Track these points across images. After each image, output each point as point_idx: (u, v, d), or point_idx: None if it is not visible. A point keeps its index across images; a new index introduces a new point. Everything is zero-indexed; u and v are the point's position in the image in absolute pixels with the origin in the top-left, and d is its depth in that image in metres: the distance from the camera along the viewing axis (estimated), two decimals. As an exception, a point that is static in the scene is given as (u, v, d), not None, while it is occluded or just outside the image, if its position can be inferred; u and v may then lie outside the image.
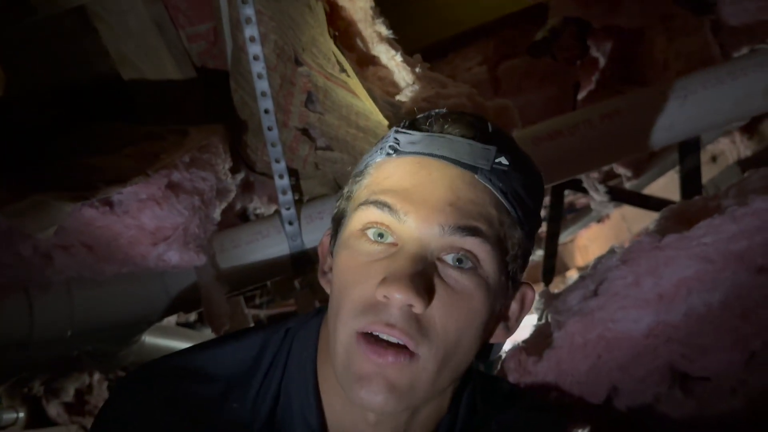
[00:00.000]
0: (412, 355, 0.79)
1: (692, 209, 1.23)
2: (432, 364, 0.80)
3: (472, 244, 0.80)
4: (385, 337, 0.79)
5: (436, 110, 0.91)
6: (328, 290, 0.93)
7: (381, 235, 0.82)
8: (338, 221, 0.91)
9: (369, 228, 0.83)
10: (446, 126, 0.86)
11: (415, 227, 0.80)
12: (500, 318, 0.91)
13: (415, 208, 0.81)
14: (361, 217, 0.84)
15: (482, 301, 0.82)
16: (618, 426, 1.19)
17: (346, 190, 0.92)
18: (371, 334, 0.80)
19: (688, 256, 1.10)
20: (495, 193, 0.83)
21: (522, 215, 0.85)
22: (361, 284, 0.81)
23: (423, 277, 0.79)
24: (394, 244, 0.82)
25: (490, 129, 0.87)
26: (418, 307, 0.77)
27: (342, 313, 0.82)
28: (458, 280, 0.81)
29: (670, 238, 1.13)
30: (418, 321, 0.79)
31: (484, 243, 0.80)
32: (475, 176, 0.83)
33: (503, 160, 0.84)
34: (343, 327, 0.82)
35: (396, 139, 0.87)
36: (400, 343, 0.79)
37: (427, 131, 0.87)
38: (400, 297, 0.76)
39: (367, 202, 0.84)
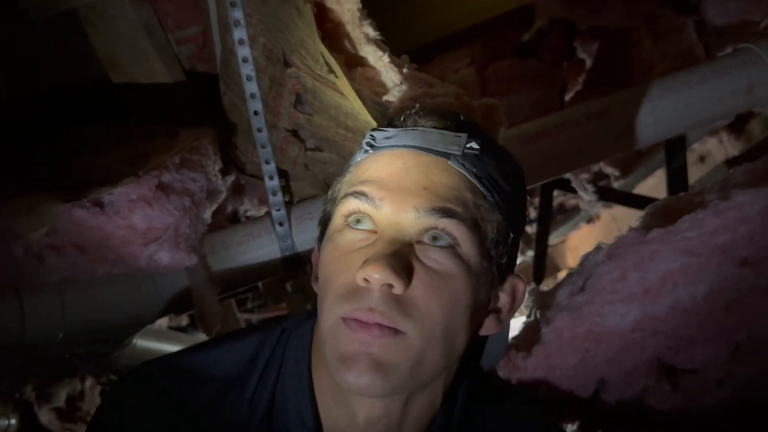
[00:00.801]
0: (397, 332, 0.80)
1: (677, 205, 1.24)
2: (419, 341, 0.81)
3: (447, 224, 0.82)
4: (365, 320, 0.80)
5: (410, 108, 0.94)
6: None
7: (359, 221, 0.85)
8: (324, 224, 0.93)
9: (348, 217, 0.86)
10: (418, 120, 0.90)
11: (391, 212, 0.83)
12: (490, 309, 0.92)
13: (390, 194, 0.83)
14: (342, 210, 0.87)
15: (464, 282, 0.83)
16: (607, 419, 1.21)
17: (329, 193, 0.95)
18: (354, 321, 0.81)
19: (673, 250, 1.11)
20: (468, 177, 0.86)
21: (499, 199, 0.87)
22: (343, 272, 0.83)
23: (401, 257, 0.80)
24: (374, 232, 0.84)
25: (462, 120, 0.91)
26: (397, 287, 0.79)
27: (326, 302, 0.83)
28: (438, 260, 0.82)
29: (655, 233, 1.14)
30: (399, 302, 0.80)
31: (460, 224, 0.82)
32: (448, 162, 0.86)
33: (474, 145, 0.87)
34: (328, 315, 0.83)
35: (372, 136, 0.91)
36: (383, 324, 0.80)
37: (402, 126, 0.90)
38: (378, 276, 0.78)
39: (345, 195, 0.87)
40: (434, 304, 0.81)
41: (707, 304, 1.11)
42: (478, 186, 0.86)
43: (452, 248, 0.83)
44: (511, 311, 0.95)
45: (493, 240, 0.87)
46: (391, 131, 0.90)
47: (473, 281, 0.84)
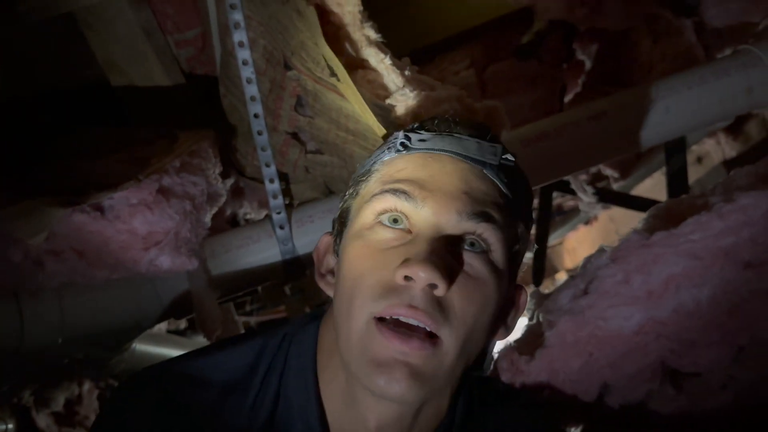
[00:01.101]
0: (435, 341, 0.80)
1: (680, 207, 1.24)
2: (453, 348, 0.81)
3: (485, 229, 0.83)
4: (404, 320, 0.79)
5: (441, 114, 0.95)
6: (329, 292, 0.94)
7: (396, 220, 0.84)
8: (343, 220, 0.93)
9: (383, 214, 0.85)
10: (453, 126, 0.91)
11: (433, 213, 0.83)
12: (501, 316, 0.92)
13: (432, 195, 0.83)
14: (376, 207, 0.86)
15: (495, 288, 0.84)
16: (610, 422, 1.20)
17: (351, 190, 0.94)
18: (389, 320, 0.80)
19: (677, 253, 1.11)
20: (501, 187, 0.87)
21: (521, 210, 0.90)
22: (378, 269, 0.82)
23: (443, 258, 0.80)
24: (409, 231, 0.84)
25: (492, 132, 0.93)
26: (441, 288, 0.78)
27: (357, 301, 0.82)
28: (473, 265, 0.83)
29: (658, 236, 1.14)
30: (440, 303, 0.80)
31: (496, 230, 0.84)
32: (484, 170, 0.87)
33: (510, 157, 0.90)
34: (359, 314, 0.81)
35: (407, 136, 0.91)
36: (420, 326, 0.79)
37: (436, 131, 0.91)
38: (424, 276, 0.77)
39: (382, 191, 0.86)
40: (470, 308, 0.82)
41: (711, 307, 1.10)
42: (509, 195, 0.88)
43: (486, 254, 0.84)
44: (516, 319, 0.96)
45: (516, 249, 0.89)
46: (425, 134, 0.90)
47: (502, 287, 0.86)
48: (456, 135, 0.89)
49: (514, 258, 0.90)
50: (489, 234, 0.84)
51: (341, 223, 0.93)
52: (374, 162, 0.93)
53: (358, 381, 0.83)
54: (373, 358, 0.80)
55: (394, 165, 0.89)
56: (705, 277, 1.10)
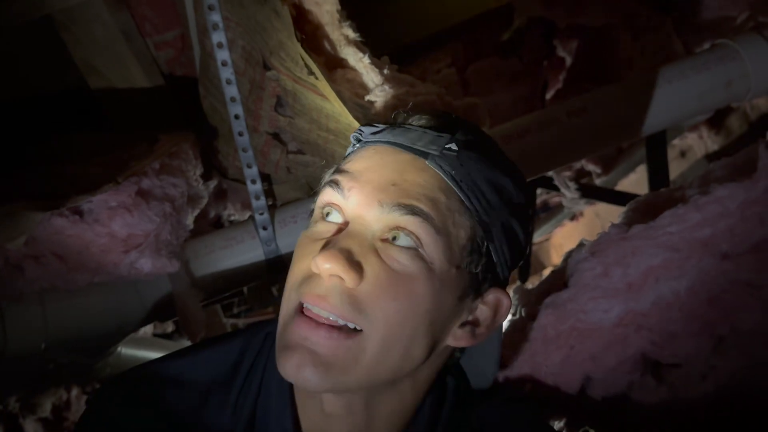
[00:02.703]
0: (350, 333, 0.79)
1: (658, 200, 1.25)
2: (373, 344, 0.80)
3: (411, 222, 0.80)
4: (315, 310, 0.80)
5: (407, 108, 0.94)
6: None
7: (329, 214, 0.85)
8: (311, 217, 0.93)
9: (323, 208, 0.86)
10: (408, 118, 0.90)
11: (357, 204, 0.82)
12: (466, 321, 0.88)
13: (358, 185, 0.83)
14: (319, 201, 0.87)
15: (425, 285, 0.81)
16: (593, 414, 1.21)
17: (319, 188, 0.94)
18: (312, 311, 0.81)
19: (655, 246, 1.12)
20: (445, 179, 0.83)
21: (479, 206, 0.84)
22: (302, 258, 0.83)
23: (356, 250, 0.80)
24: (345, 224, 0.84)
25: (454, 121, 0.89)
26: (348, 280, 0.78)
27: (286, 288, 0.84)
28: (398, 260, 0.80)
29: (636, 229, 1.15)
30: (352, 296, 0.79)
31: (425, 223, 0.80)
32: (426, 161, 0.84)
33: (453, 146, 0.84)
34: (286, 302, 0.83)
35: (360, 130, 0.91)
36: (331, 318, 0.79)
37: (390, 123, 0.90)
38: (327, 266, 0.77)
39: (324, 184, 0.87)
40: (391, 304, 0.79)
41: (690, 298, 1.11)
42: (455, 189, 0.83)
43: (414, 249, 0.81)
44: (491, 326, 0.91)
45: (464, 247, 0.83)
46: (380, 127, 0.90)
47: (436, 286, 0.81)
48: (407, 126, 0.87)
49: (468, 255, 0.84)
50: (417, 228, 0.80)
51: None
52: (344, 158, 0.94)
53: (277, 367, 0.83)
54: (284, 342, 0.81)
55: (348, 158, 0.90)
56: (683, 269, 1.11)
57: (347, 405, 0.87)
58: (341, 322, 0.79)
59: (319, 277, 0.80)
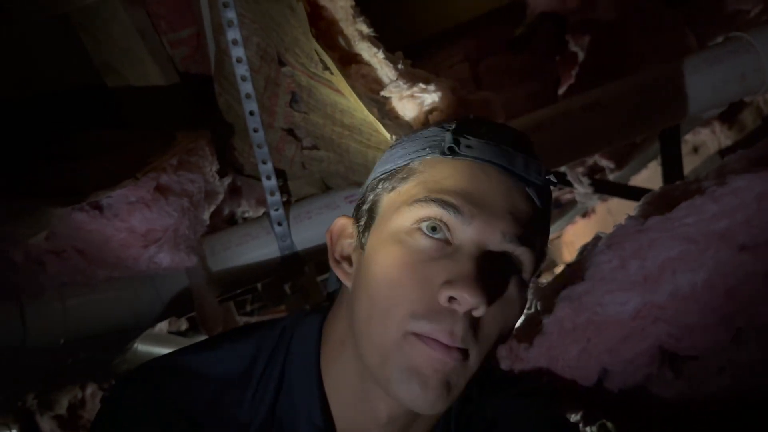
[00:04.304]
0: (467, 357, 0.80)
1: (674, 193, 1.25)
2: (475, 363, 0.81)
3: (522, 252, 0.82)
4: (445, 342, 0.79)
5: (476, 117, 0.93)
6: (345, 281, 0.91)
7: (434, 228, 0.82)
8: (372, 213, 0.90)
9: (424, 222, 0.82)
10: (497, 135, 0.88)
11: (478, 232, 0.81)
12: None
13: (480, 213, 0.81)
14: (418, 213, 0.83)
15: (520, 306, 0.85)
16: (610, 408, 1.21)
17: (385, 184, 0.90)
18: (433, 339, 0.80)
19: (672, 238, 1.12)
20: (539, 206, 0.86)
21: (548, 227, 0.91)
22: (420, 284, 0.80)
23: (487, 281, 0.79)
24: (448, 242, 0.82)
25: (532, 145, 0.91)
26: (481, 310, 0.78)
27: (396, 312, 0.80)
28: (507, 285, 0.82)
29: (653, 221, 1.15)
30: (474, 324, 0.80)
31: (531, 252, 0.83)
32: (526, 188, 0.85)
33: (552, 178, 0.88)
34: (397, 327, 0.80)
35: (455, 140, 0.86)
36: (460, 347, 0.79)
37: (483, 138, 0.87)
38: (471, 300, 0.76)
39: (427, 200, 0.83)
40: (496, 327, 0.82)
41: (707, 290, 1.11)
42: (543, 216, 0.87)
43: (518, 274, 0.83)
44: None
45: (537, 269, 0.89)
46: (473, 140, 0.86)
47: (524, 304, 0.86)
48: (503, 146, 0.86)
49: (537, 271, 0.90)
50: (525, 257, 0.83)
51: (370, 216, 0.90)
52: (413, 159, 0.89)
53: (386, 386, 0.82)
54: (412, 366, 0.79)
55: (439, 170, 0.86)
56: (700, 261, 1.11)
57: (408, 411, 0.87)
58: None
59: (448, 311, 0.78)
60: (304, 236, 1.50)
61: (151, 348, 2.13)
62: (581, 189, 2.36)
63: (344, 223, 0.94)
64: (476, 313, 0.78)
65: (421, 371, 0.79)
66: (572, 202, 3.47)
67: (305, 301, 2.75)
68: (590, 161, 2.79)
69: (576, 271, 1.25)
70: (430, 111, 1.37)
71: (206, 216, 1.42)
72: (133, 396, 0.91)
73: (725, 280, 1.10)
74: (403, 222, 0.84)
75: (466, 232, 0.81)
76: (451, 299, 0.77)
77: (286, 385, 0.92)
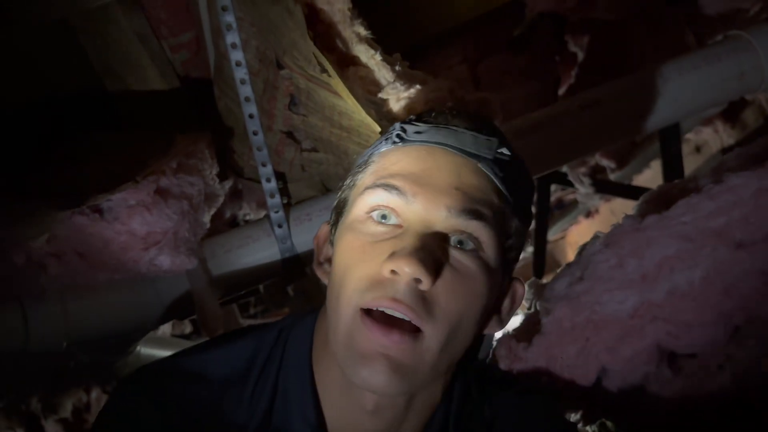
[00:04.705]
0: (417, 335, 0.81)
1: (672, 191, 1.25)
2: (435, 344, 0.82)
3: (475, 227, 0.84)
4: (389, 312, 0.81)
5: (440, 107, 0.96)
6: (325, 280, 0.95)
7: (384, 217, 0.85)
8: (339, 210, 0.93)
9: (374, 210, 0.86)
10: (450, 119, 0.91)
11: (423, 209, 0.83)
12: (494, 309, 0.94)
13: (423, 191, 0.84)
14: (368, 201, 0.87)
15: (484, 284, 0.85)
16: (609, 406, 1.21)
17: (348, 181, 0.95)
18: (375, 312, 0.81)
19: (669, 236, 1.12)
20: (496, 181, 0.87)
21: (518, 206, 0.90)
22: (366, 262, 0.83)
23: (430, 254, 0.81)
24: (399, 226, 0.84)
25: (491, 125, 0.93)
26: (425, 282, 0.79)
27: (345, 292, 0.84)
28: (461, 261, 0.83)
29: (650, 219, 1.15)
30: (424, 298, 0.81)
31: (487, 227, 0.84)
32: (478, 164, 0.87)
33: (505, 151, 0.89)
34: (347, 305, 0.83)
35: (403, 128, 0.91)
36: (405, 319, 0.80)
37: (433, 123, 0.90)
38: (408, 270, 0.78)
39: (374, 186, 0.87)
40: (455, 304, 0.83)
41: (704, 288, 1.11)
42: (503, 190, 0.88)
43: (475, 251, 0.85)
44: (511, 313, 0.97)
45: (509, 244, 0.90)
46: (422, 126, 0.90)
47: (491, 283, 0.86)
48: (452, 127, 0.89)
49: (507, 253, 0.90)
50: (480, 232, 0.84)
51: (338, 213, 0.94)
52: (371, 153, 0.93)
53: (347, 373, 0.84)
54: (357, 350, 0.82)
55: (389, 157, 0.90)
56: (698, 259, 1.11)
57: (393, 402, 0.89)
58: (412, 323, 0.81)
59: (390, 281, 0.80)
60: (304, 238, 1.51)
61: (155, 351, 2.15)
62: (582, 189, 2.37)
63: (327, 229, 0.98)
64: (422, 287, 0.80)
65: (366, 354, 0.81)
66: (575, 203, 3.48)
67: (307, 302, 2.76)
68: (591, 161, 2.79)
69: (574, 271, 1.25)
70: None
71: (206, 218, 1.42)
72: (133, 398, 0.93)
73: (723, 278, 1.11)
74: (357, 212, 0.88)
75: (412, 211, 0.84)
76: (392, 272, 0.80)
77: (281, 386, 0.94)
